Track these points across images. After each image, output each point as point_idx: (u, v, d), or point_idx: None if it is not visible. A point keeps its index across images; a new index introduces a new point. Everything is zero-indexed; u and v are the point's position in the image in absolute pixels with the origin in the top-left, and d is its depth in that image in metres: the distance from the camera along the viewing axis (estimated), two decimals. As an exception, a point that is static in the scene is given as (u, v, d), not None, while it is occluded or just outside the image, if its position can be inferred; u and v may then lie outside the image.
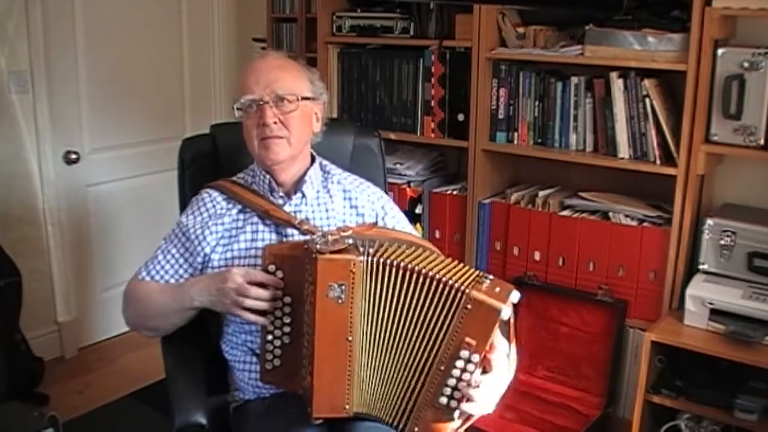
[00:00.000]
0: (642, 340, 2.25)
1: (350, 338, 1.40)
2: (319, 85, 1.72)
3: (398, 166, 2.90)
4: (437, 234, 2.82)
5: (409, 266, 1.39)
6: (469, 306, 1.35)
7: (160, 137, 3.39)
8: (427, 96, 2.80)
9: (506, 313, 1.35)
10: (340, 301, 1.38)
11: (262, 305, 1.47)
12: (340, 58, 3.00)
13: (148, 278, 1.67)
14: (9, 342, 2.70)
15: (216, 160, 1.88)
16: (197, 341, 1.71)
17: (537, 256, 2.61)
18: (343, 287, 1.37)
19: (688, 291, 2.23)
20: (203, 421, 1.54)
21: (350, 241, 1.44)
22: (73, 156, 3.07)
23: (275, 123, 1.60)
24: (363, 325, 1.41)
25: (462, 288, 1.36)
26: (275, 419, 1.53)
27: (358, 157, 1.91)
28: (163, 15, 3.38)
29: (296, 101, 1.62)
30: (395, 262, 1.39)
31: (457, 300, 1.37)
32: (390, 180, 2.45)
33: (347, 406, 1.44)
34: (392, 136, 2.85)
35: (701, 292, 2.21)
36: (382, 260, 1.39)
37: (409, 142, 2.95)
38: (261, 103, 1.60)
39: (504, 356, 1.44)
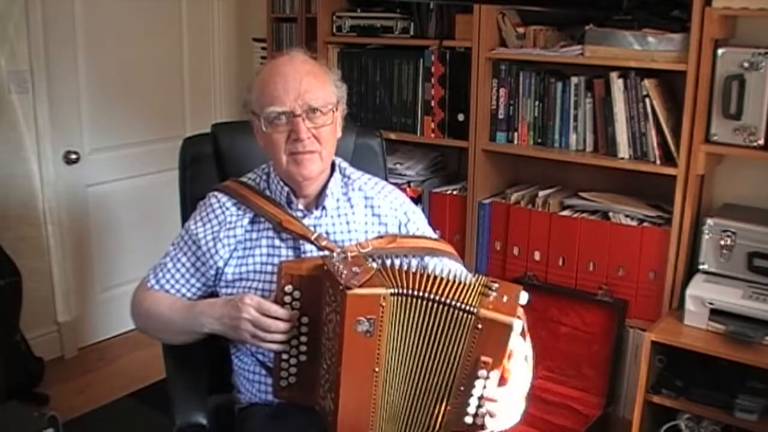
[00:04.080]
0: (642, 340, 2.25)
1: (377, 369, 1.36)
2: (341, 86, 1.61)
3: (398, 166, 2.90)
4: (437, 234, 2.81)
5: (431, 296, 1.35)
6: (479, 326, 1.32)
7: (160, 137, 3.39)
8: (427, 96, 2.80)
9: (518, 326, 1.32)
10: (368, 334, 1.33)
11: (279, 338, 1.41)
12: (340, 58, 3.00)
13: (157, 287, 1.60)
14: (9, 342, 2.70)
15: (217, 159, 1.87)
16: (201, 339, 1.69)
17: (537, 256, 2.61)
18: (372, 321, 1.33)
19: (688, 291, 2.23)
20: (204, 421, 1.54)
21: (374, 264, 1.40)
22: (73, 156, 3.07)
23: (308, 138, 1.50)
24: (389, 355, 1.37)
25: (468, 308, 1.33)
26: (283, 425, 1.50)
27: (359, 157, 1.90)
28: (163, 15, 3.38)
29: (330, 113, 1.53)
30: (420, 294, 1.34)
31: (466, 321, 1.33)
32: (390, 180, 2.45)
33: None
34: (392, 136, 2.84)
35: (701, 292, 2.21)
36: (409, 292, 1.34)
37: (409, 142, 2.95)
38: (293, 116, 1.49)
39: (522, 360, 1.41)
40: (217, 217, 1.60)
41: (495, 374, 1.35)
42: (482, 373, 1.34)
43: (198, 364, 1.67)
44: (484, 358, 1.34)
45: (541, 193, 2.64)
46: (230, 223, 1.58)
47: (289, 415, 1.52)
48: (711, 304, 2.18)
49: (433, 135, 2.82)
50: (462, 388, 1.37)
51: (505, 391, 1.37)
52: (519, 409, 1.41)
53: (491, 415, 1.36)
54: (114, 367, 3.15)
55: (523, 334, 1.41)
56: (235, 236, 1.57)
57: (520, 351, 1.41)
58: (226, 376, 1.70)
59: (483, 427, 1.39)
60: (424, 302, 1.34)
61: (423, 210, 2.84)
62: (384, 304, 1.32)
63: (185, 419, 1.52)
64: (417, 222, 1.71)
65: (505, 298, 1.35)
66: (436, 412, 1.40)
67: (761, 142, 2.13)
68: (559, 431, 2.50)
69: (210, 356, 1.70)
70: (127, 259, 3.31)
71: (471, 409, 1.38)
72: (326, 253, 1.51)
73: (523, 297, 1.36)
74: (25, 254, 2.91)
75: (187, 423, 1.52)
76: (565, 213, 2.56)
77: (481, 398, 1.36)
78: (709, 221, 2.26)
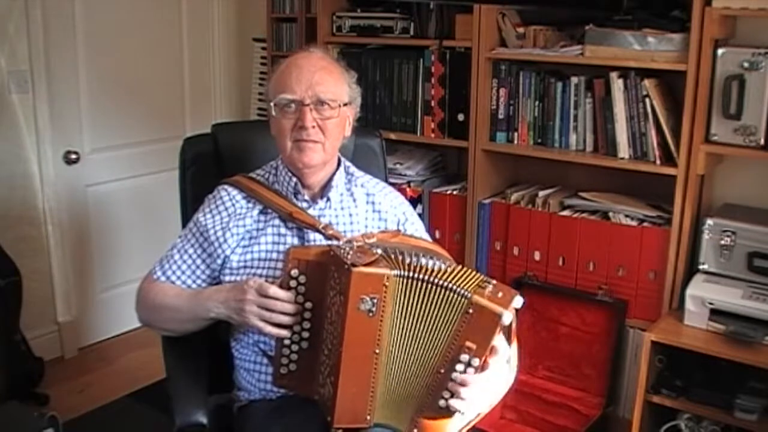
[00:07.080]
0: (642, 340, 2.25)
1: (377, 351, 1.38)
2: (355, 88, 1.68)
3: (398, 166, 2.90)
4: (437, 234, 2.82)
5: (431, 279, 1.37)
6: (470, 311, 1.35)
7: (160, 137, 3.39)
8: (427, 96, 2.80)
9: (507, 318, 1.34)
10: (371, 314, 1.35)
11: (284, 319, 1.43)
12: (340, 58, 2.97)
13: (163, 278, 1.62)
14: (9, 342, 2.70)
15: (217, 159, 1.88)
16: (201, 338, 1.68)
17: (537, 256, 2.61)
18: (375, 300, 1.35)
19: (688, 291, 2.23)
20: (204, 420, 1.53)
21: (379, 250, 1.42)
22: (73, 156, 3.07)
23: (313, 127, 1.56)
24: (389, 337, 1.39)
25: (464, 293, 1.36)
26: (282, 422, 1.51)
27: (359, 158, 1.90)
28: (163, 15, 3.38)
29: (337, 108, 1.58)
30: (422, 277, 1.37)
31: (459, 304, 1.36)
32: (390, 180, 2.45)
33: (368, 417, 1.43)
34: (392, 136, 2.84)
35: (701, 292, 2.21)
36: (413, 275, 1.37)
37: (409, 142, 2.95)
38: (301, 104, 1.55)
39: (503, 361, 1.44)
40: (227, 208, 1.64)
41: (476, 362, 1.37)
42: (464, 357, 1.37)
43: (198, 363, 1.67)
44: (468, 344, 1.36)
45: (541, 193, 2.64)
46: (240, 214, 1.62)
47: (289, 411, 1.53)
48: (711, 304, 2.18)
49: (433, 135, 2.82)
50: (442, 371, 1.39)
51: (479, 379, 1.39)
52: (488, 402, 1.44)
53: (458, 397, 1.38)
54: (114, 367, 3.15)
55: (510, 336, 1.43)
56: (244, 226, 1.61)
57: (504, 351, 1.43)
58: (226, 375, 1.71)
59: (452, 413, 1.40)
60: (424, 285, 1.37)
61: (423, 210, 2.85)
62: (387, 284, 1.35)
63: (185, 419, 1.52)
64: (415, 223, 1.75)
65: (500, 294, 1.37)
66: (417, 393, 1.42)
67: (761, 142, 2.13)
68: (559, 431, 2.50)
69: (210, 355, 1.70)
70: (127, 259, 3.31)
71: (447, 393, 1.39)
72: (333, 241, 1.54)
73: (518, 301, 1.38)
74: (25, 254, 2.91)
75: (187, 423, 1.52)
76: (565, 213, 2.56)
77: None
78: (709, 221, 2.26)
